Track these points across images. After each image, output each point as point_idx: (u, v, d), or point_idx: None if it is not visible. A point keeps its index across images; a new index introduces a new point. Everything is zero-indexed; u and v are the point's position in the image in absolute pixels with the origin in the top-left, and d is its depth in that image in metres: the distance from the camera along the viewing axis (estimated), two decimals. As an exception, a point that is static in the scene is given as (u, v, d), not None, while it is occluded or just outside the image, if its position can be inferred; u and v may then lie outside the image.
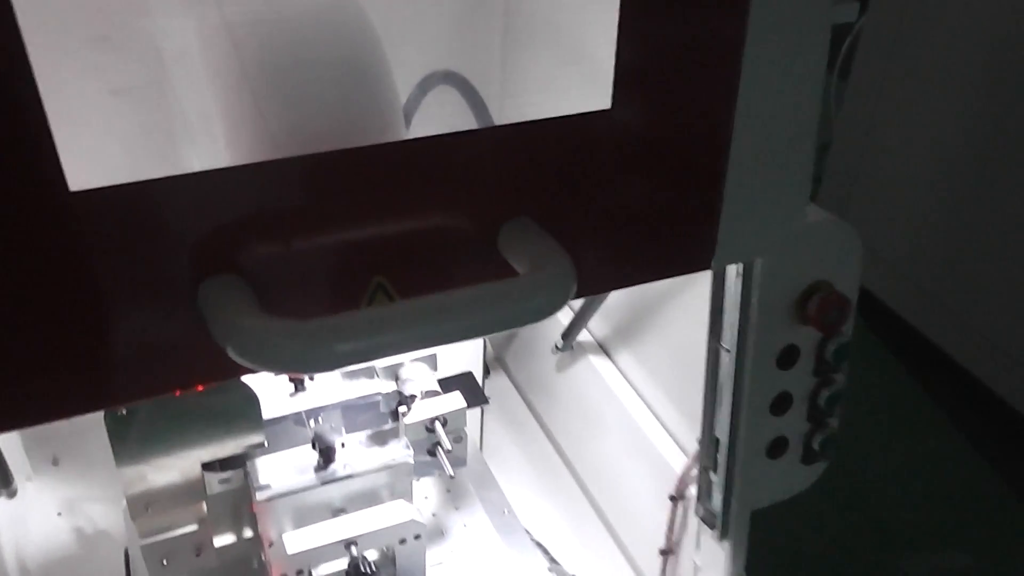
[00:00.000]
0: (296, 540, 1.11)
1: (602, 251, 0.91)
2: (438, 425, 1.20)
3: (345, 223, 0.78)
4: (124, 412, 1.00)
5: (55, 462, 1.70)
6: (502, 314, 0.73)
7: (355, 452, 1.17)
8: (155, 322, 0.74)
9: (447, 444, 1.19)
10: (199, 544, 1.16)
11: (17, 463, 1.63)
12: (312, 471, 1.14)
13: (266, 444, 1.11)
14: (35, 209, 0.67)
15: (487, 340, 1.65)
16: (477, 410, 1.66)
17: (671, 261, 0.97)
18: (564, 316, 1.63)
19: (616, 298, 1.46)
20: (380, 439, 1.18)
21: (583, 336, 1.57)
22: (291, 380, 1.23)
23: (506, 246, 0.83)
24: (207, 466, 1.11)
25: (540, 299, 0.75)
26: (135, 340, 0.74)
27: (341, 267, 0.79)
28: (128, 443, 1.03)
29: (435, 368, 1.30)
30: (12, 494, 1.35)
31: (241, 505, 1.15)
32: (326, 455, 1.13)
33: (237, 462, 1.14)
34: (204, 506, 1.14)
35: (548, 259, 0.78)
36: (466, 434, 1.24)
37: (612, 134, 0.85)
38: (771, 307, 1.07)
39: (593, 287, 0.87)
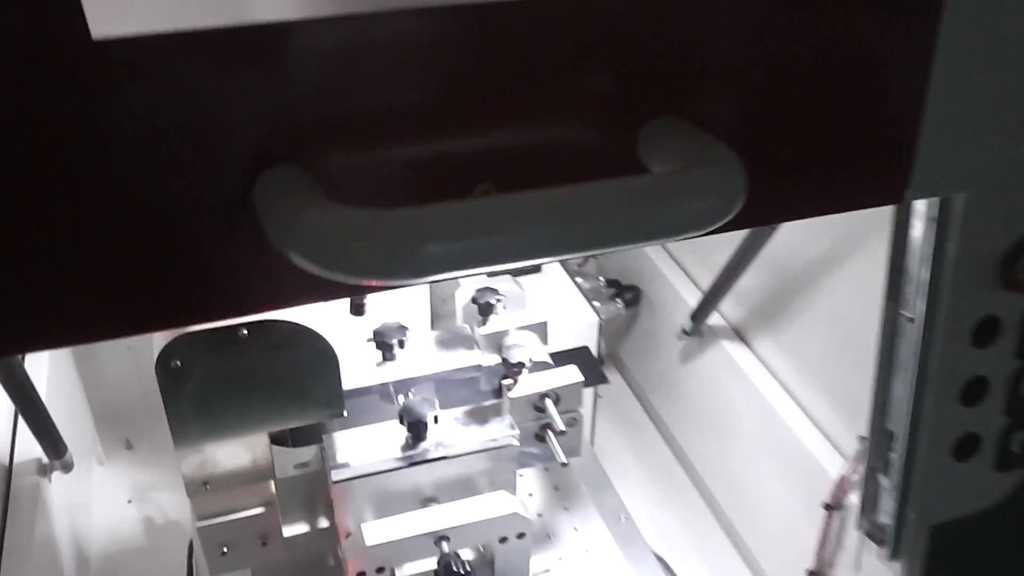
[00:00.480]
0: (377, 531, 0.93)
1: (770, 168, 0.71)
2: (549, 403, 1.00)
3: (446, 110, 0.60)
4: (178, 364, 0.85)
5: (128, 446, 1.57)
6: (653, 215, 0.54)
7: (450, 430, 0.98)
8: (197, 221, 0.57)
9: (559, 424, 0.99)
10: (265, 531, 0.99)
11: (89, 445, 1.51)
12: (399, 450, 0.96)
13: (346, 413, 0.94)
14: (46, 63, 0.51)
15: (600, 330, 1.45)
16: (588, 403, 1.46)
17: (855, 188, 0.75)
18: (691, 295, 1.42)
19: (754, 274, 1.25)
20: (480, 417, 1.00)
21: (714, 319, 1.36)
22: (378, 346, 1.06)
23: (650, 148, 0.63)
24: (276, 439, 0.94)
25: (704, 197, 0.55)
26: (171, 244, 0.57)
27: (438, 167, 0.61)
28: (182, 405, 0.87)
29: (545, 340, 1.11)
30: (67, 467, 1.22)
31: (316, 488, 0.98)
32: (416, 431, 0.95)
33: (311, 435, 0.97)
34: (272, 486, 0.98)
35: (711, 154, 0.58)
36: (581, 416, 1.05)
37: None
38: (970, 264, 0.85)
39: (757, 216, 0.67)
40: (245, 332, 0.85)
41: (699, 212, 0.57)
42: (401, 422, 0.96)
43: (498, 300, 1.11)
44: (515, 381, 1.00)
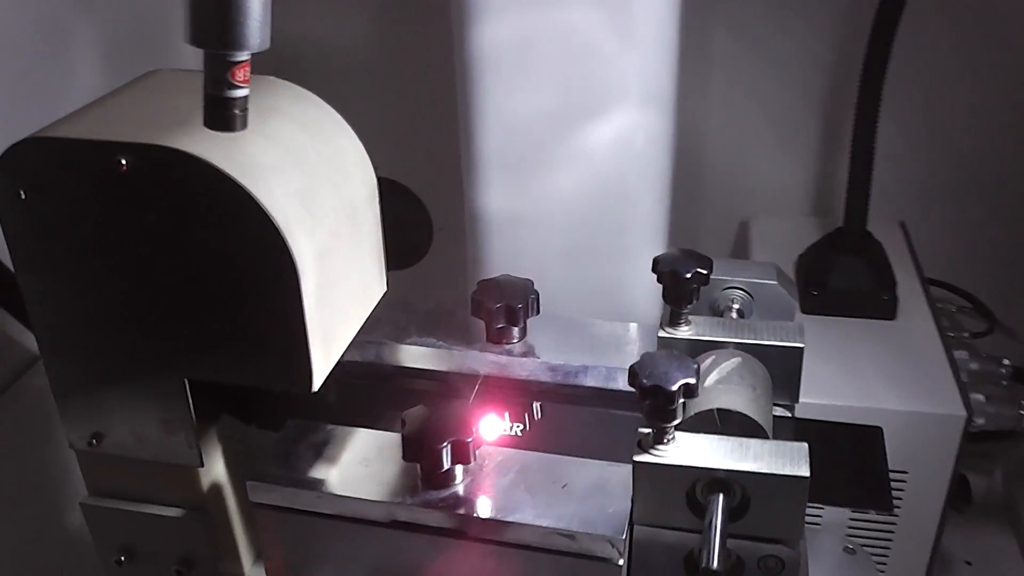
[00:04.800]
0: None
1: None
2: (719, 505, 0.45)
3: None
4: (21, 195, 0.47)
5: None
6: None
7: (508, 486, 0.48)
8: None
9: (713, 554, 0.43)
10: (187, 554, 0.57)
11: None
12: (402, 490, 0.49)
13: (315, 387, 0.49)
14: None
15: (965, 439, 0.81)
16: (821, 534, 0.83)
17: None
18: None
19: None
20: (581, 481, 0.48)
21: None
22: (475, 310, 0.59)
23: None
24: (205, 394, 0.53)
25: None
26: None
27: None
28: (36, 264, 0.49)
29: (795, 397, 0.56)
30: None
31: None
32: (424, 461, 0.47)
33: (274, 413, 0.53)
34: (201, 479, 0.56)
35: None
36: (795, 561, 0.48)
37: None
38: None
39: None
40: (123, 162, 0.45)
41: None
42: (405, 451, 0.48)
43: (731, 287, 0.59)
44: (659, 432, 0.47)
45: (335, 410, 0.58)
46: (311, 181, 0.50)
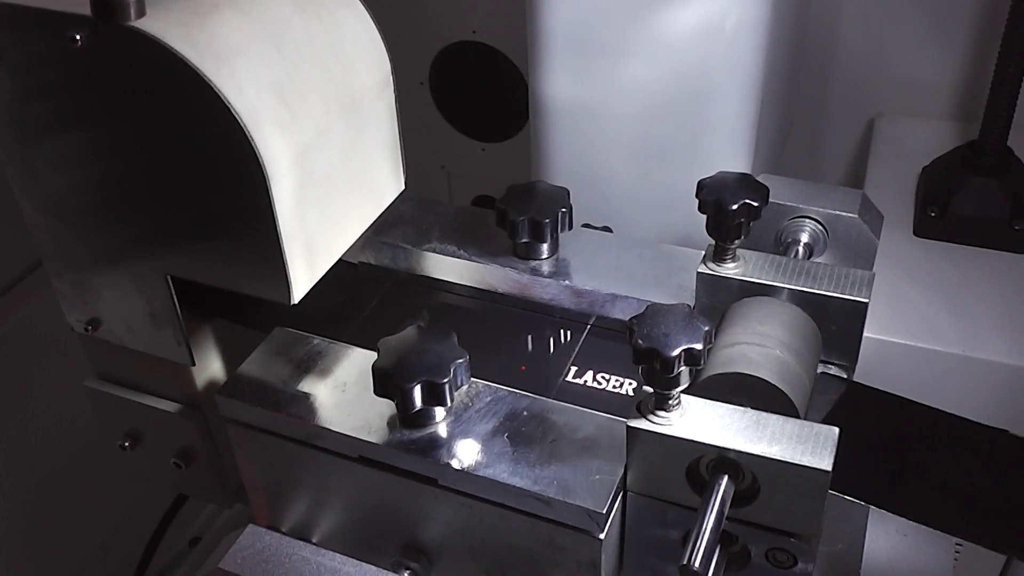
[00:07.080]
0: (253, 543, 0.44)
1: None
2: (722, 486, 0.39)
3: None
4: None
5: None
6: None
7: (486, 429, 0.43)
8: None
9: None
10: (185, 446, 0.55)
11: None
12: (380, 421, 0.44)
13: (296, 299, 0.44)
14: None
15: None
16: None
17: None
18: None
19: None
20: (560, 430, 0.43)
21: None
22: (500, 220, 0.52)
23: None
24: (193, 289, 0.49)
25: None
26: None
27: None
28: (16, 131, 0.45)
29: (853, 355, 0.48)
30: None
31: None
32: (401, 401, 0.42)
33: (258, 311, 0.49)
34: (193, 377, 0.53)
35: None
36: (809, 555, 0.41)
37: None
38: None
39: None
40: (77, 37, 0.40)
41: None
42: (383, 385, 0.43)
43: (802, 216, 0.50)
44: (661, 397, 0.40)
45: (336, 316, 0.54)
46: (296, 67, 0.43)
